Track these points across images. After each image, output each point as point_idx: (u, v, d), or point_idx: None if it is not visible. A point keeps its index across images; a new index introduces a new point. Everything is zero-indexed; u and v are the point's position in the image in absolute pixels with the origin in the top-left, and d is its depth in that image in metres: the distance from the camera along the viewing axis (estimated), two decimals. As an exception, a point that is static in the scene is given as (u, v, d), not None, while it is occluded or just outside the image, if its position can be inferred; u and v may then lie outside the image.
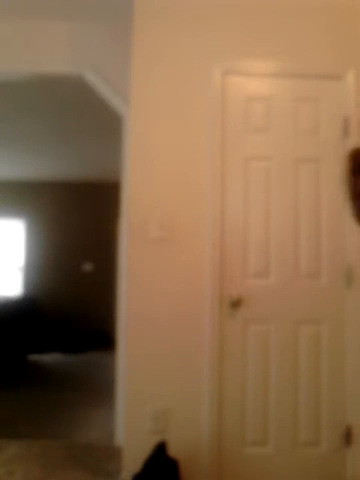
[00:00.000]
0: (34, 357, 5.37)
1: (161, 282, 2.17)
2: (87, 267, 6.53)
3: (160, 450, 1.92)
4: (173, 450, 2.03)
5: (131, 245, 2.18)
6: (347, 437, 2.14)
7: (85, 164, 5.65)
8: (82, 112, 3.76)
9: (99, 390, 3.87)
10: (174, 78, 2.24)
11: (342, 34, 2.27)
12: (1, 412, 3.37)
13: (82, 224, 6.51)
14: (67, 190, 6.59)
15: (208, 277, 2.15)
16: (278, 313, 2.16)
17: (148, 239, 2.17)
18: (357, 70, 2.23)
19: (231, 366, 2.14)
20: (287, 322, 2.17)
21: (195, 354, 2.14)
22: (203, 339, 2.14)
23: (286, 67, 2.25)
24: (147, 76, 2.23)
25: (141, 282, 2.16)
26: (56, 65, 2.71)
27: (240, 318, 2.15)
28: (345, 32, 2.27)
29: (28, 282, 6.53)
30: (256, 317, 2.16)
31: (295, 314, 2.17)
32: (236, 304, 2.14)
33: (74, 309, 6.35)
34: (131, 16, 2.27)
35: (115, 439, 2.71)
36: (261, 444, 2.14)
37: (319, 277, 2.19)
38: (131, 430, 2.13)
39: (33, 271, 6.54)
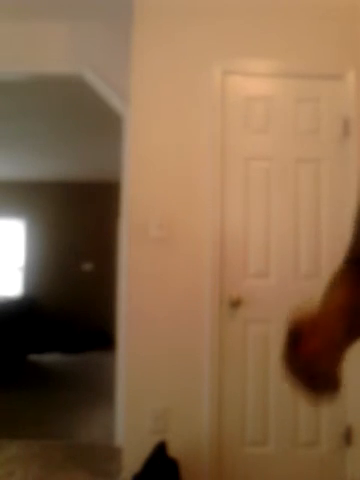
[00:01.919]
0: (34, 357, 5.37)
1: (161, 282, 2.16)
2: (87, 267, 6.52)
3: (160, 450, 1.92)
4: (173, 450, 2.03)
5: (131, 245, 2.17)
6: (347, 437, 2.14)
7: (85, 164, 5.66)
8: (82, 112, 3.76)
9: (99, 390, 3.87)
10: (174, 78, 2.24)
11: (342, 34, 2.27)
12: (1, 412, 3.37)
13: (82, 224, 6.50)
14: (67, 190, 6.58)
15: (208, 277, 2.15)
16: (278, 313, 2.16)
17: (148, 239, 2.17)
18: (357, 70, 2.23)
19: (231, 366, 2.14)
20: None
21: (195, 354, 2.14)
22: (203, 339, 2.14)
23: (286, 67, 2.25)
24: (147, 76, 2.23)
25: (141, 282, 2.16)
26: (56, 65, 2.71)
27: (240, 318, 2.15)
28: (345, 32, 2.27)
29: (28, 282, 6.53)
30: (256, 317, 2.16)
31: (295, 314, 2.16)
32: (236, 304, 2.14)
33: (74, 309, 6.35)
34: (131, 16, 2.28)
35: (115, 439, 2.71)
36: (261, 444, 2.14)
37: (319, 277, 2.19)
38: (131, 430, 2.13)
39: (33, 271, 6.53)
